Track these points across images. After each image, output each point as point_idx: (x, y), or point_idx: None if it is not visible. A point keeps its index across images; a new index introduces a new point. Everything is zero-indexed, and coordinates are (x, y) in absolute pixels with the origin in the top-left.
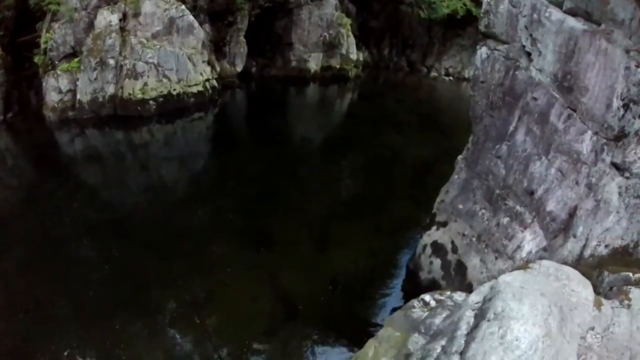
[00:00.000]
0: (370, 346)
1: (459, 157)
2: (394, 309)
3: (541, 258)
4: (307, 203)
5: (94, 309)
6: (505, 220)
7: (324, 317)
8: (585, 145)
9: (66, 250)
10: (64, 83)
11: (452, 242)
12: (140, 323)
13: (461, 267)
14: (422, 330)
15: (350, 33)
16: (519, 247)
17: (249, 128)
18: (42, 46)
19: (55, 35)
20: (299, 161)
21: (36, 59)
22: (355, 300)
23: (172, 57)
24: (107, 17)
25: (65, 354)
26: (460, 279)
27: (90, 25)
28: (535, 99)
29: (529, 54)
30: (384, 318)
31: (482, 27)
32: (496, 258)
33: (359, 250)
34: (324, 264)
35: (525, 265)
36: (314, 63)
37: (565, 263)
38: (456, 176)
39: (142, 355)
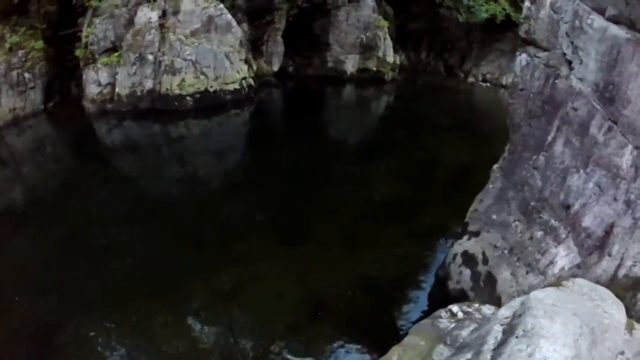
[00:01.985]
0: (394, 353)
1: (495, 166)
2: (420, 317)
3: (574, 275)
4: (340, 203)
5: (122, 294)
6: (539, 233)
7: (349, 319)
8: (625, 159)
9: (99, 235)
10: (103, 76)
11: (484, 253)
12: (166, 310)
13: (491, 279)
14: (448, 342)
15: (387, 35)
16: (551, 262)
17: (285, 126)
18: (84, 40)
19: (96, 30)
20: (334, 161)
21: (77, 52)
22: (382, 305)
23: (210, 55)
24: (147, 14)
25: (92, 334)
26: (489, 291)
27: (131, 22)
28: (575, 109)
29: (570, 62)
30: (409, 325)
31: (522, 33)
32: (527, 272)
33: (389, 254)
34: (353, 265)
35: (558, 282)
36: (351, 64)
37: (598, 282)
38: (491, 185)
39: (166, 342)
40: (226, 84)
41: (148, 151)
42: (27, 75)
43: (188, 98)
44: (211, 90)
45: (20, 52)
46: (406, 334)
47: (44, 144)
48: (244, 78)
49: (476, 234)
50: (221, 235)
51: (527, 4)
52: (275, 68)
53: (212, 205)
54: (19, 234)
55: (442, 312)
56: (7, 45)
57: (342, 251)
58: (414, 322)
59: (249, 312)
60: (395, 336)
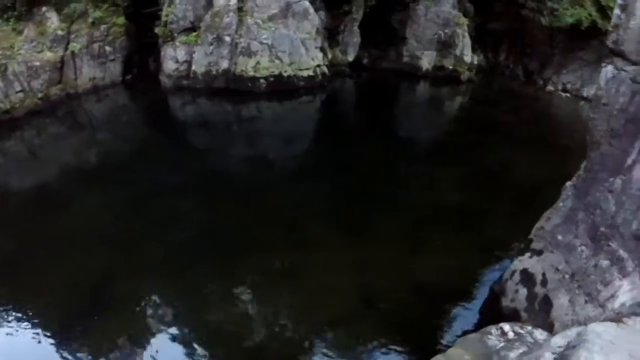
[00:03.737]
0: None
1: (568, 184)
2: (468, 331)
3: (635, 314)
4: (405, 202)
5: (180, 260)
6: (605, 263)
7: (398, 320)
8: None
9: (166, 202)
10: (181, 54)
11: (544, 274)
12: (221, 283)
13: (547, 302)
14: None
15: (466, 34)
16: (613, 295)
17: (355, 117)
18: (164, 19)
19: (176, 10)
20: (401, 159)
21: (157, 30)
22: (432, 311)
23: (286, 40)
24: None
25: (145, 294)
26: (543, 315)
27: (210, 3)
28: None
29: None
30: (454, 336)
31: (609, 43)
32: (586, 302)
33: (448, 261)
34: (410, 266)
35: (618, 319)
36: (427, 61)
37: None
38: (561, 204)
39: (216, 314)
40: (300, 70)
41: (218, 128)
42: (107, 48)
43: (262, 80)
44: (285, 74)
45: (103, 27)
46: (451, 345)
47: (120, 113)
48: (319, 65)
49: (539, 252)
50: (283, 216)
51: (616, 11)
52: (350, 58)
53: (277, 187)
54: (90, 193)
55: (493, 329)
56: (90, 20)
57: (400, 252)
58: (461, 335)
59: (300, 296)
60: (439, 345)
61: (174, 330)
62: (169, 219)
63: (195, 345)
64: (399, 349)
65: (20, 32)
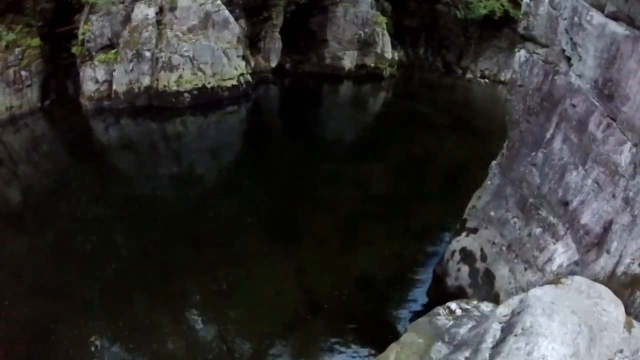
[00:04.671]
0: (392, 350)
1: (493, 163)
2: (417, 314)
3: (572, 272)
4: (336, 201)
5: (120, 294)
6: (538, 230)
7: (346, 317)
8: (624, 157)
9: (95, 236)
10: (100, 73)
11: (482, 250)
12: (163, 310)
13: (489, 276)
14: (447, 339)
15: (385, 32)
16: (550, 259)
17: (282, 123)
18: (80, 37)
19: (92, 27)
20: (330, 158)
21: (74, 50)
22: (379, 302)
23: (207, 51)
24: (144, 11)
25: (87, 334)
26: (487, 289)
27: (127, 18)
28: (574, 105)
29: (568, 59)
30: (406, 322)
31: (521, 29)
32: (526, 269)
33: (386, 251)
34: (349, 262)
35: (556, 280)
36: (349, 61)
37: (596, 280)
38: (489, 182)
39: (161, 341)
40: (224, 80)
41: (144, 149)
42: (23, 73)
43: (185, 95)
44: (209, 86)
45: (17, 50)
46: (404, 331)
47: (41, 143)
48: (242, 74)
49: (474, 230)
50: (218, 233)
51: (526, 0)
52: (273, 64)
53: (208, 204)
54: (14, 235)
55: (440, 310)
56: (4, 43)
57: (339, 248)
58: (412, 320)
59: (245, 310)
60: (392, 334)
61: None
62: (101, 252)
63: None
64: (353, 344)
65: None
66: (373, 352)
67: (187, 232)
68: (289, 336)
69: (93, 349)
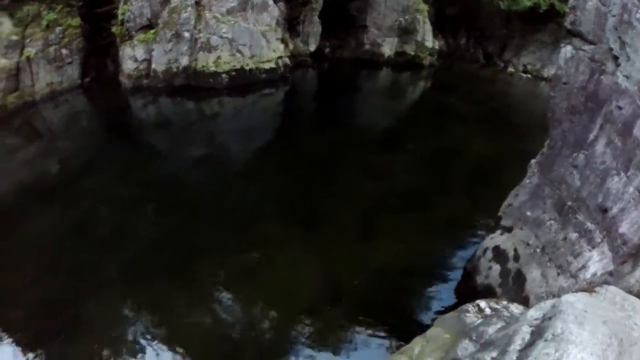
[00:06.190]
0: (417, 343)
1: (533, 161)
2: (445, 310)
3: (606, 282)
4: (361, 190)
5: (141, 271)
6: (574, 235)
7: (369, 307)
8: None
9: (121, 214)
10: (139, 52)
11: (515, 250)
12: (183, 290)
13: (520, 277)
14: (474, 337)
15: (426, 20)
16: (584, 266)
17: (317, 108)
18: (120, 17)
19: (132, 7)
20: (363, 146)
21: (114, 29)
22: (404, 295)
23: (246, 33)
24: None
25: (109, 310)
26: (517, 290)
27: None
28: (619, 107)
29: (616, 58)
30: (432, 317)
31: (567, 24)
32: (558, 274)
33: (409, 244)
34: (375, 253)
35: (590, 288)
36: (388, 48)
37: (630, 291)
38: (528, 180)
39: (181, 322)
40: (261, 62)
41: (179, 128)
42: (64, 51)
43: (223, 75)
44: (247, 68)
45: (58, 29)
46: (429, 326)
47: (79, 119)
48: (280, 57)
49: (509, 229)
50: (243, 215)
51: None
52: (312, 48)
53: (236, 186)
54: (45, 208)
55: (470, 307)
56: (45, 22)
57: (365, 238)
58: (438, 315)
59: (266, 293)
60: (418, 327)
61: (145, 344)
62: (128, 230)
63: (171, 357)
64: (376, 334)
65: None
66: (395, 344)
67: (212, 213)
68: (312, 320)
69: (115, 326)
